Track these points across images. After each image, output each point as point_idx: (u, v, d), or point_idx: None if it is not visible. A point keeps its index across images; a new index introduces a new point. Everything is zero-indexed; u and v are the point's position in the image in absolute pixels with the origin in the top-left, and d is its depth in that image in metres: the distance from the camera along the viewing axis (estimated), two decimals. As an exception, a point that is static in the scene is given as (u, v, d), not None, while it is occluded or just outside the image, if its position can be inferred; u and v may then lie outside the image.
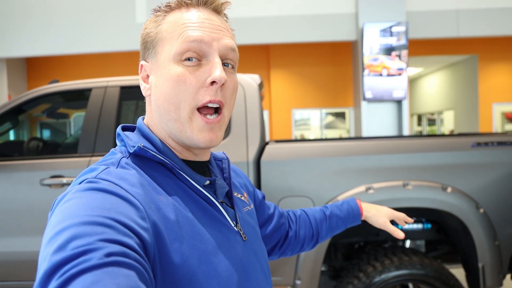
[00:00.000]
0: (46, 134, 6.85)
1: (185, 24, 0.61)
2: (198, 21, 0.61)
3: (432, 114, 10.42)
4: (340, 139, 2.23)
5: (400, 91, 5.24)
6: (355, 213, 1.04)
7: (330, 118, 8.07)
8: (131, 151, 0.61)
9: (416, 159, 1.98)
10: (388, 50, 5.24)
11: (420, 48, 6.96)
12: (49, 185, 2.05)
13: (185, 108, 0.60)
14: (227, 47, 0.63)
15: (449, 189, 1.92)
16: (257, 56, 7.80)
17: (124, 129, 0.69)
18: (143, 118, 0.70)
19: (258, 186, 2.02)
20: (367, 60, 5.24)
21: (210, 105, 0.61)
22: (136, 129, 0.68)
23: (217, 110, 0.63)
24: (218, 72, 0.59)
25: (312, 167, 1.98)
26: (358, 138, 2.36)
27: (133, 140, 0.64)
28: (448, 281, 1.90)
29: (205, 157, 0.70)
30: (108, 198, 0.51)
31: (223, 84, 0.61)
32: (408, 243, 2.44)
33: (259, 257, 0.71)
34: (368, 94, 5.26)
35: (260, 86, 2.39)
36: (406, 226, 2.26)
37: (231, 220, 0.67)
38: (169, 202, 0.58)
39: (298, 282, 1.98)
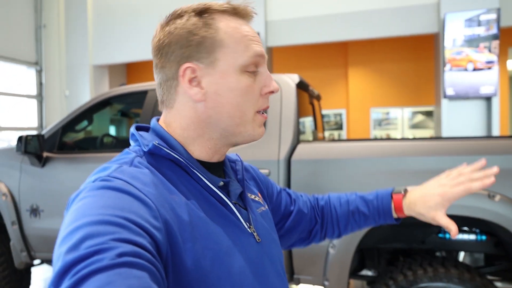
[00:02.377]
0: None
1: (248, 37, 0.64)
2: (254, 35, 0.66)
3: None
4: (375, 140, 2.13)
5: (489, 87, 4.65)
6: (386, 212, 0.90)
7: (420, 117, 7.49)
8: (145, 150, 0.62)
9: (459, 162, 1.79)
10: (475, 42, 4.67)
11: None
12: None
13: (250, 113, 0.66)
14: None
15: (497, 197, 1.70)
16: (334, 54, 7.62)
17: (138, 129, 0.70)
18: (158, 119, 0.70)
19: (288, 185, 2.04)
20: (449, 53, 4.76)
21: None
22: (150, 129, 0.69)
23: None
24: (274, 84, 0.68)
25: (343, 168, 1.93)
26: (393, 139, 2.23)
27: (148, 139, 0.64)
28: (494, 301, 1.69)
29: (221, 158, 0.71)
30: (121, 197, 0.51)
31: None
32: (462, 256, 2.22)
33: (273, 259, 0.70)
34: (450, 91, 4.77)
35: (301, 85, 2.38)
36: (457, 237, 2.06)
37: (244, 221, 0.67)
38: (182, 201, 0.58)
39: (326, 283, 1.96)
